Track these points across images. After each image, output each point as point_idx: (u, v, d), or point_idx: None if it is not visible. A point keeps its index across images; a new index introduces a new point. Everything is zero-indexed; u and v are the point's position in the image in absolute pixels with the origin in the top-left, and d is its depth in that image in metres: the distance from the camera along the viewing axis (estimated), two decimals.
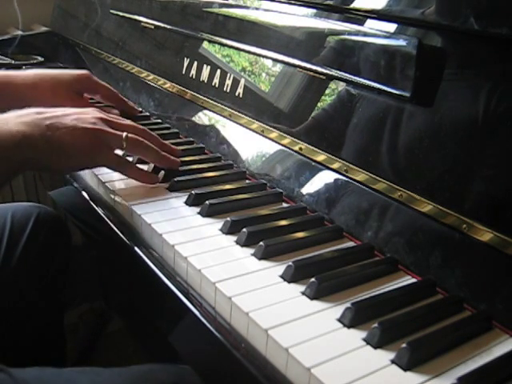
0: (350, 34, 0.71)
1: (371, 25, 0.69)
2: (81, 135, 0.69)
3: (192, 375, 0.66)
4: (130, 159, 0.80)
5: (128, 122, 0.78)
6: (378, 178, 0.66)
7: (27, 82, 0.89)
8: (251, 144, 0.84)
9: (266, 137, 0.82)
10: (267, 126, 0.83)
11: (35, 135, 0.66)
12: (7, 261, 0.90)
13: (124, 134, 0.73)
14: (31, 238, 0.93)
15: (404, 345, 0.47)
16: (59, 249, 0.99)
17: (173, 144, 0.90)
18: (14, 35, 1.49)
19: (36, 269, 0.94)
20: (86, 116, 0.72)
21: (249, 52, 0.87)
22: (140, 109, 1.11)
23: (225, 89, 0.91)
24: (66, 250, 1.02)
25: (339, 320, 0.52)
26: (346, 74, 0.70)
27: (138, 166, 0.79)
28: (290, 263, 0.57)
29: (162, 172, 0.78)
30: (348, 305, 0.52)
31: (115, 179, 0.78)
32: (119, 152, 0.75)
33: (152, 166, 0.79)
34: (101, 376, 0.67)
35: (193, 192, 0.72)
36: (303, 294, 0.55)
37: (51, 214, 1.00)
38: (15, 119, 0.67)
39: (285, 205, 0.74)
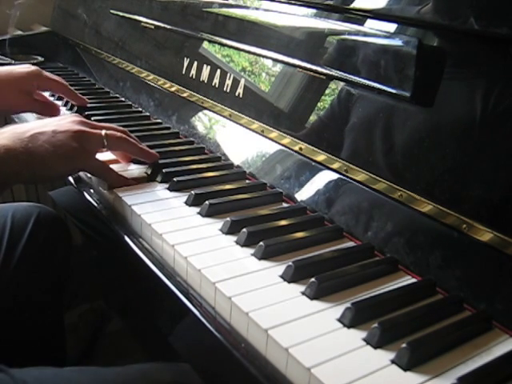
0: (350, 33, 0.71)
1: (371, 25, 0.69)
2: (61, 140, 0.70)
3: (192, 374, 0.66)
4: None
5: (106, 124, 0.81)
6: (377, 177, 0.66)
7: None
8: (251, 144, 0.84)
9: (266, 137, 0.82)
10: (267, 126, 0.83)
11: (18, 148, 0.67)
12: (7, 261, 0.90)
13: (103, 131, 0.75)
14: (31, 238, 0.93)
15: (404, 345, 0.47)
16: (59, 249, 0.99)
17: (173, 144, 0.91)
18: (14, 35, 1.49)
19: (36, 269, 0.94)
20: (64, 122, 0.73)
21: (249, 52, 0.87)
22: (140, 108, 1.11)
23: (225, 89, 0.91)
24: (67, 250, 1.02)
25: (339, 320, 0.52)
26: (346, 74, 0.70)
27: (138, 166, 0.80)
28: (290, 263, 0.57)
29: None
30: (348, 305, 0.52)
31: None
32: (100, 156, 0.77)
33: (150, 170, 0.80)
34: (100, 375, 0.67)
35: (193, 192, 0.72)
36: (303, 294, 0.55)
37: (51, 214, 1.00)
38: None
39: (285, 205, 0.74)
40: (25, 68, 0.95)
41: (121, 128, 0.80)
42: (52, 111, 0.98)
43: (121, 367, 0.67)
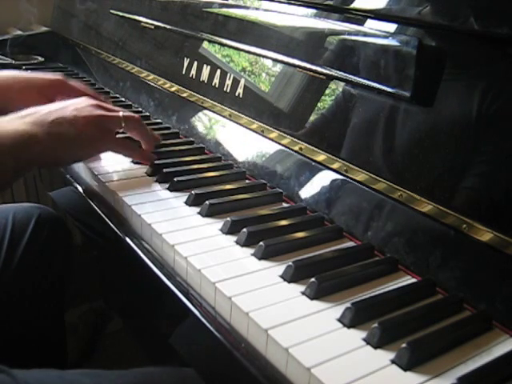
0: (349, 34, 0.71)
1: (371, 25, 0.69)
2: (84, 125, 0.72)
3: (194, 379, 0.66)
4: None
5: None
6: (377, 177, 0.66)
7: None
8: (251, 144, 0.84)
9: (266, 137, 0.82)
10: (267, 126, 0.83)
11: (41, 133, 0.68)
12: (8, 261, 0.90)
13: (121, 113, 0.77)
14: (32, 239, 0.93)
15: (404, 345, 0.47)
16: (60, 249, 0.99)
17: (173, 144, 0.91)
18: (14, 35, 1.49)
19: (37, 269, 0.94)
20: (82, 105, 0.75)
21: (249, 52, 0.87)
22: (140, 108, 1.11)
23: (225, 89, 0.91)
24: (67, 250, 1.02)
25: (339, 320, 0.52)
26: (346, 74, 0.70)
27: (139, 166, 0.80)
28: (290, 263, 0.57)
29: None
30: (348, 305, 0.52)
31: (115, 179, 0.79)
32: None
33: (150, 170, 0.81)
34: (103, 378, 0.67)
35: (193, 192, 0.72)
36: (303, 293, 0.55)
37: (52, 214, 1.00)
38: (19, 120, 0.69)
39: (285, 205, 0.74)
40: (48, 75, 0.94)
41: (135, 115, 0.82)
42: None
43: (123, 370, 0.67)
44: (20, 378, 0.62)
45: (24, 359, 0.84)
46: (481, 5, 0.58)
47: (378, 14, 0.68)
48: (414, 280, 0.59)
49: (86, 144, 0.73)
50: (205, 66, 0.97)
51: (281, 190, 0.76)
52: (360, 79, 0.68)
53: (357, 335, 0.50)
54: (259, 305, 0.52)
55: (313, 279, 0.55)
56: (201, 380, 0.63)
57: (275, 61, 0.83)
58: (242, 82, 0.88)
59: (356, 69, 0.69)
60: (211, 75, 0.95)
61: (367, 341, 0.49)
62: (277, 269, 0.59)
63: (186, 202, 0.72)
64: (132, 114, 0.80)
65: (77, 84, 0.95)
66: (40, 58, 1.43)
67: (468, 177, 0.58)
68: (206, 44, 0.98)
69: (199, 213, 0.70)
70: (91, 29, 1.38)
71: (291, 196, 0.75)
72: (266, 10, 0.85)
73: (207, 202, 0.70)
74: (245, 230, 0.63)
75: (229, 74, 0.91)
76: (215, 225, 0.67)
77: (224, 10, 0.93)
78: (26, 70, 1.27)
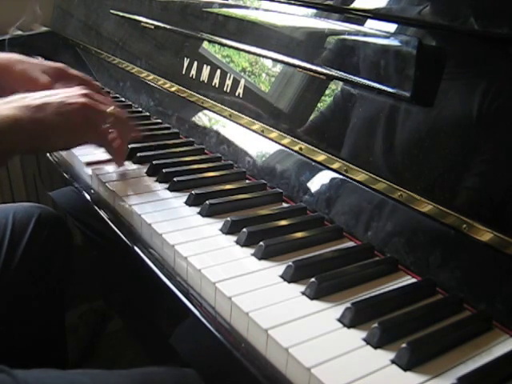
0: (349, 34, 0.71)
1: (371, 25, 0.69)
2: (69, 112, 0.71)
3: (194, 379, 0.66)
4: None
5: (109, 98, 0.82)
6: (377, 177, 0.66)
7: (0, 63, 0.90)
8: (251, 144, 0.84)
9: (266, 137, 0.82)
10: (267, 126, 0.83)
11: (25, 118, 0.67)
12: (9, 261, 0.90)
13: (111, 107, 0.76)
14: (32, 239, 0.93)
15: (404, 345, 0.47)
16: (60, 249, 0.99)
17: (173, 144, 0.91)
18: (14, 35, 1.49)
19: (37, 269, 0.94)
20: (72, 94, 0.74)
21: (249, 52, 0.87)
22: (140, 108, 1.11)
23: (225, 89, 0.91)
24: (67, 250, 1.01)
25: (339, 320, 0.52)
26: (346, 74, 0.70)
27: (139, 166, 0.80)
28: (290, 263, 0.57)
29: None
30: (348, 305, 0.52)
31: (115, 179, 0.79)
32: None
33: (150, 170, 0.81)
34: (103, 378, 0.66)
35: (193, 192, 0.72)
36: (303, 294, 0.55)
37: (52, 214, 0.99)
38: (4, 105, 0.68)
39: (285, 205, 0.74)
40: (50, 62, 0.96)
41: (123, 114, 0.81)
42: None
43: (124, 370, 0.67)
44: (20, 378, 0.62)
45: (24, 359, 0.84)
46: (481, 5, 0.58)
47: (377, 14, 0.68)
48: (414, 280, 0.59)
49: (69, 132, 0.72)
50: (205, 66, 0.97)
51: (281, 190, 0.76)
52: (360, 79, 0.68)
53: (357, 335, 0.50)
54: (259, 305, 0.52)
55: (313, 279, 0.55)
56: (201, 380, 0.63)
57: (275, 61, 0.83)
58: (242, 82, 0.88)
59: (356, 69, 0.69)
60: (211, 75, 0.95)
61: (367, 341, 0.49)
62: (277, 269, 0.59)
63: (186, 202, 0.72)
64: (120, 113, 0.78)
65: (77, 73, 0.96)
66: (40, 58, 1.43)
67: (468, 177, 0.58)
68: (206, 44, 0.98)
69: (199, 213, 0.70)
70: (91, 29, 1.38)
71: (291, 196, 0.75)
72: (266, 10, 0.85)
73: (207, 202, 0.70)
74: (245, 230, 0.63)
75: (229, 74, 0.91)
76: (215, 225, 0.67)
77: (224, 10, 0.93)
78: None
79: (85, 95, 0.74)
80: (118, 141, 0.79)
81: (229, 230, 0.65)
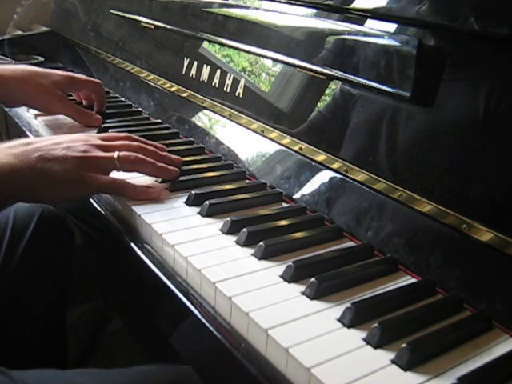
0: (349, 33, 0.71)
1: (371, 25, 0.69)
2: (71, 165, 0.67)
3: (192, 376, 0.66)
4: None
5: (123, 134, 0.78)
6: (377, 178, 0.66)
7: (16, 75, 0.91)
8: (251, 144, 0.84)
9: (266, 137, 0.82)
10: (267, 126, 0.83)
11: (24, 167, 0.64)
12: (9, 260, 0.90)
13: (115, 153, 0.71)
14: (33, 237, 0.93)
15: (404, 345, 0.47)
16: (61, 248, 0.99)
17: (173, 144, 0.90)
18: (14, 35, 1.49)
19: (38, 268, 0.94)
20: (76, 144, 0.70)
21: (249, 52, 0.87)
22: (140, 108, 1.11)
23: (225, 89, 0.91)
24: (68, 249, 1.01)
25: (339, 320, 0.52)
26: (346, 74, 0.70)
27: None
28: (290, 263, 0.57)
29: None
30: (348, 305, 0.52)
31: None
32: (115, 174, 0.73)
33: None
34: (101, 377, 0.67)
35: (193, 192, 0.72)
36: (303, 294, 0.55)
37: (54, 213, 0.99)
38: (4, 150, 0.65)
39: (285, 205, 0.74)
40: (60, 72, 0.98)
41: (136, 144, 0.76)
42: (89, 120, 0.99)
43: (122, 369, 0.67)
44: (17, 378, 0.62)
45: (25, 359, 0.84)
46: (481, 5, 0.58)
47: (377, 14, 0.68)
48: (414, 280, 0.59)
49: (70, 186, 0.68)
50: (205, 65, 0.97)
51: (281, 190, 0.76)
52: (360, 79, 0.68)
53: (357, 335, 0.50)
54: (259, 305, 0.52)
55: (313, 279, 0.55)
56: (198, 377, 0.63)
57: (275, 61, 0.83)
58: (242, 81, 0.88)
59: (356, 69, 0.69)
60: (211, 75, 0.95)
61: (367, 341, 0.49)
62: (277, 269, 0.59)
63: (186, 202, 0.72)
64: (128, 155, 0.72)
65: (86, 78, 1.01)
66: (40, 58, 1.43)
67: (468, 177, 0.58)
68: (206, 44, 0.98)
69: (199, 213, 0.70)
70: (91, 29, 1.38)
71: (291, 196, 0.75)
72: (266, 10, 0.85)
73: (207, 202, 0.70)
74: (245, 230, 0.63)
75: (229, 74, 0.91)
76: (215, 225, 0.67)
77: (224, 10, 0.93)
78: None
79: (90, 145, 0.71)
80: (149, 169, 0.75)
81: (229, 230, 0.65)
